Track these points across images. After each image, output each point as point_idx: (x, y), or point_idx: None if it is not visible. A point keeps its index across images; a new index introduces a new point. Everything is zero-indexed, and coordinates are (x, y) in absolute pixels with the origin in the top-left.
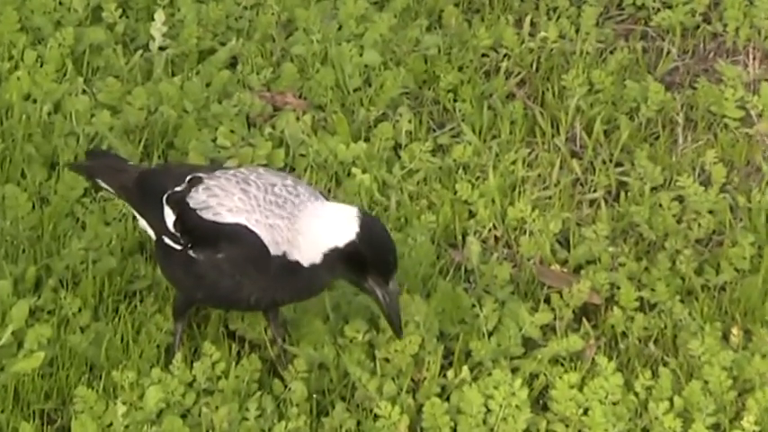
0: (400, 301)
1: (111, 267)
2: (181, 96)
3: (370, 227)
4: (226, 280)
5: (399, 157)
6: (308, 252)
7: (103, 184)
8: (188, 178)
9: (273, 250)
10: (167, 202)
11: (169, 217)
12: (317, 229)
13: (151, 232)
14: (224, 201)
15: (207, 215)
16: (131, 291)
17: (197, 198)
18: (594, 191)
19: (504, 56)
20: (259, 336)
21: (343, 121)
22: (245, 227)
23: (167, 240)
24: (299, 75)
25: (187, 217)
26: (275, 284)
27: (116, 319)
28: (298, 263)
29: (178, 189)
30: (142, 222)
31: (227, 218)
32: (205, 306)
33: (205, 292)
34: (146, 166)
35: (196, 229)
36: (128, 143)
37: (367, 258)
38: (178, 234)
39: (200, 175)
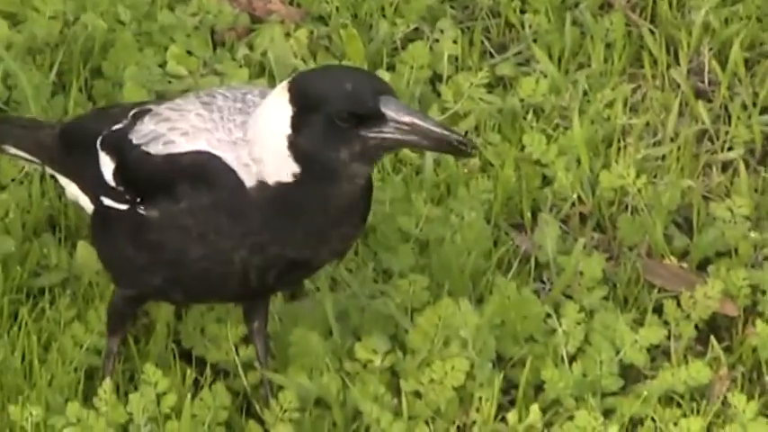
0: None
1: (7, 252)
2: (112, 1)
3: (307, 71)
4: (195, 245)
5: (439, 95)
6: (275, 159)
7: (14, 150)
8: (132, 113)
9: (247, 178)
10: (102, 147)
11: (106, 167)
12: (262, 120)
13: (85, 201)
14: (178, 123)
15: (155, 148)
16: (37, 287)
17: (142, 130)
18: (730, 148)
19: None
20: (227, 357)
21: (355, 40)
22: (207, 152)
23: (107, 201)
24: None
25: (130, 158)
26: (264, 231)
27: (14, 329)
28: (279, 184)
29: (117, 127)
30: (71, 190)
31: (183, 146)
32: (162, 301)
33: (168, 272)
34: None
35: (141, 172)
36: (33, 68)
37: (327, 96)
38: (120, 187)
39: (150, 106)
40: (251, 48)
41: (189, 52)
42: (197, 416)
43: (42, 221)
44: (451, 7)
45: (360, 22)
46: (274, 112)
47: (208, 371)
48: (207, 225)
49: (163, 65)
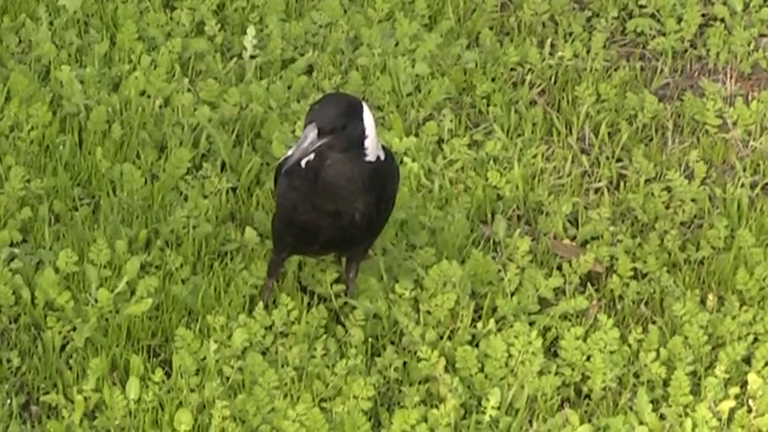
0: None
1: (207, 232)
2: (267, 96)
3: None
4: (292, 213)
5: (442, 150)
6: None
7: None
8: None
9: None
10: (276, 170)
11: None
12: None
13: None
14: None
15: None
16: (223, 251)
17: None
18: (599, 181)
19: (529, 70)
20: (325, 290)
21: (397, 120)
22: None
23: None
24: (363, 81)
25: (277, 168)
26: (312, 194)
27: (210, 274)
28: (320, 157)
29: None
30: None
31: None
32: (294, 253)
33: (292, 233)
34: None
35: (277, 174)
36: (223, 132)
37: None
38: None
39: None
40: None
41: None
42: (309, 322)
43: (227, 215)
44: (449, 102)
45: (400, 110)
46: None
47: (315, 298)
48: (290, 199)
49: (293, 131)
